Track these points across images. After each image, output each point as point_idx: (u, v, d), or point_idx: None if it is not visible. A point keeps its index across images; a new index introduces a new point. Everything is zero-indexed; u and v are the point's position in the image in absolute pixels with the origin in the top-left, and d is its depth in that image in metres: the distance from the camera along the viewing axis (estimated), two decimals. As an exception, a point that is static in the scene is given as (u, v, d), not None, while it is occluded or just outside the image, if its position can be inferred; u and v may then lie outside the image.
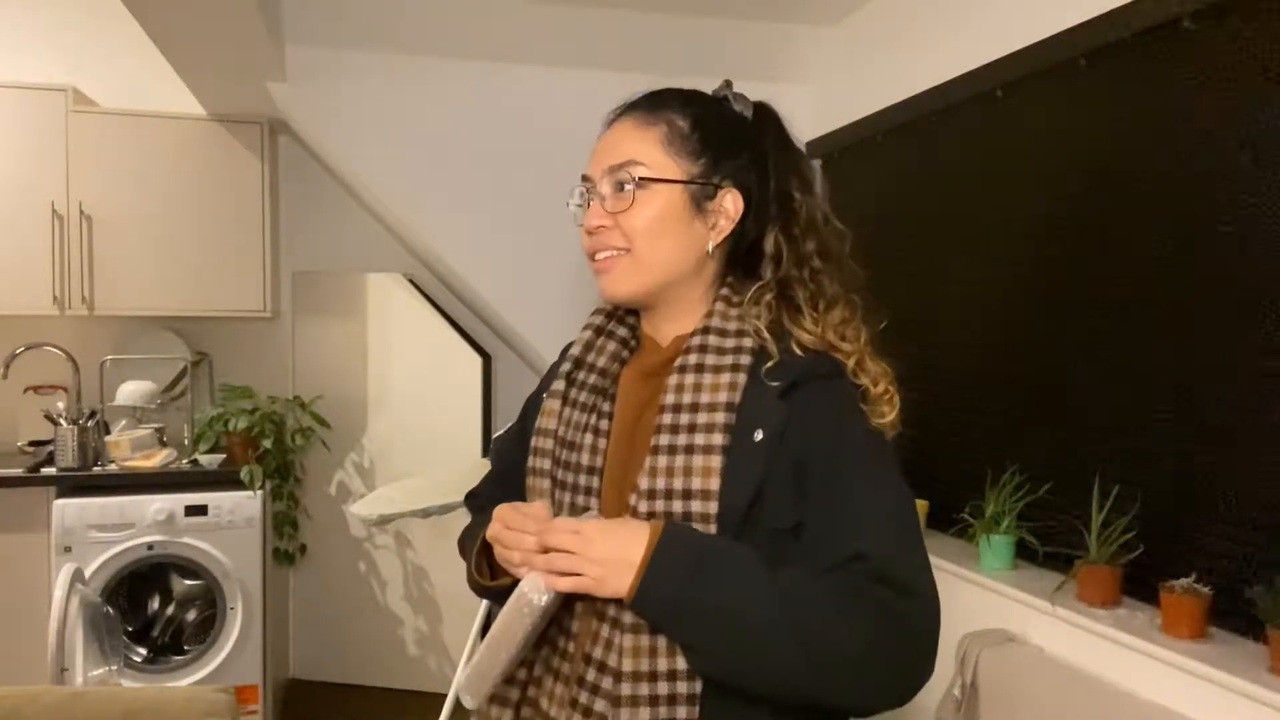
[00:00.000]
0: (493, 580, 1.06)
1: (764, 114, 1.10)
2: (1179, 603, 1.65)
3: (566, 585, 0.92)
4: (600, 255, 1.04)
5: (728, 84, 1.11)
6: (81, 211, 3.24)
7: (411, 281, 3.80)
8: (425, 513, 2.81)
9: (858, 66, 2.90)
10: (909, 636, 0.89)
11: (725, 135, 1.05)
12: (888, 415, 0.98)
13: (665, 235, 1.01)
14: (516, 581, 0.98)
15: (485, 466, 3.33)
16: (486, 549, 1.06)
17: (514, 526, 0.98)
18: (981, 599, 2.06)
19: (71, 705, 1.60)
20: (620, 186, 1.02)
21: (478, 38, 2.92)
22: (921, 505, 2.36)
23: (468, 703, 0.98)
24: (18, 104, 3.18)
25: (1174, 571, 1.72)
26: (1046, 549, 2.00)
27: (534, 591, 0.94)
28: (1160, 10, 1.79)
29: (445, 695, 2.92)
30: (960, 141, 2.42)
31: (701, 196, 1.02)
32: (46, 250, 3.21)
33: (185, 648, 3.22)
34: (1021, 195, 2.20)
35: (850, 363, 1.00)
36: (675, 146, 1.02)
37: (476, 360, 3.73)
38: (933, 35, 2.53)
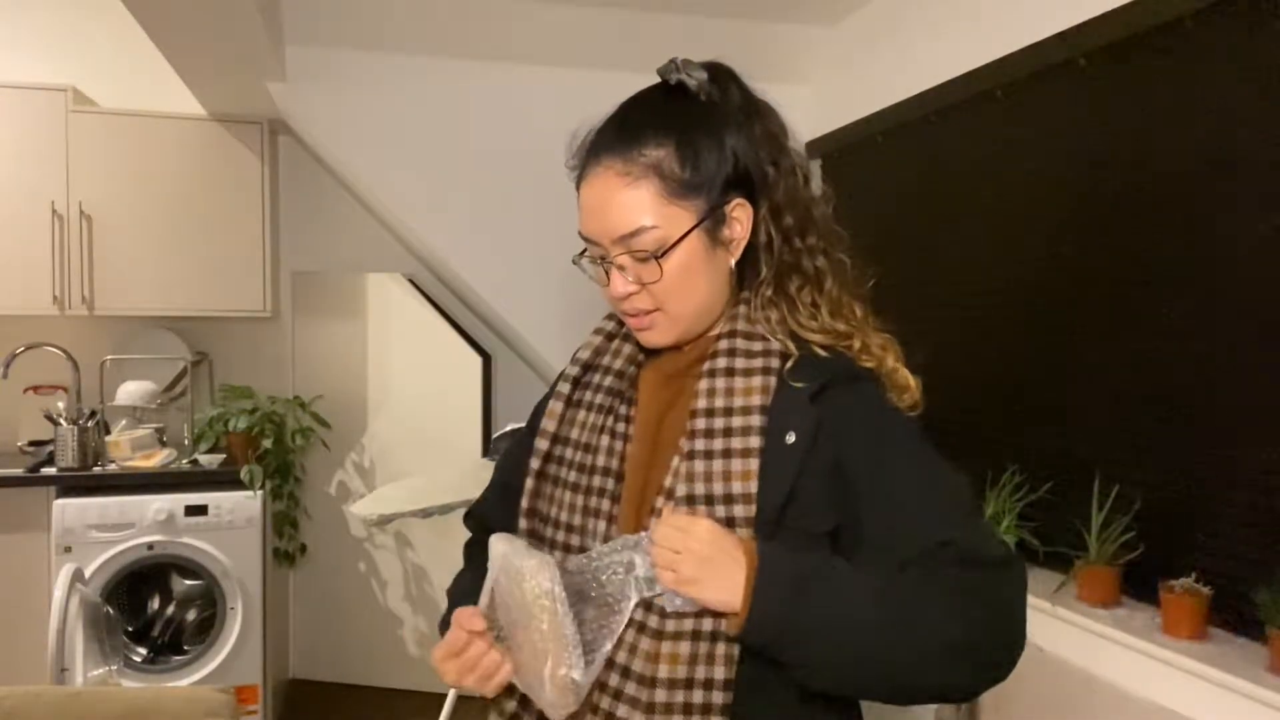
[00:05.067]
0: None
1: (722, 79, 1.01)
2: (1179, 603, 1.65)
3: (669, 580, 0.89)
4: (635, 316, 1.01)
5: (674, 63, 1.00)
6: (81, 211, 3.24)
7: (411, 281, 3.80)
8: (425, 513, 2.80)
9: (857, 66, 2.90)
10: (1010, 612, 0.90)
11: (708, 142, 0.97)
12: (910, 389, 1.00)
13: (694, 284, 0.98)
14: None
15: (485, 466, 3.33)
16: None
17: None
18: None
19: (71, 705, 1.60)
20: (640, 258, 0.96)
21: (477, 38, 2.92)
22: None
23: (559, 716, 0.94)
24: (18, 104, 3.18)
25: (1174, 571, 1.72)
26: (1046, 549, 2.00)
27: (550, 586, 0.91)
28: (1160, 10, 1.79)
29: (445, 695, 2.92)
30: (960, 141, 2.41)
31: (715, 226, 0.98)
32: (46, 250, 3.21)
33: (185, 648, 3.22)
34: (1021, 195, 2.20)
35: (855, 344, 0.99)
36: (674, 190, 0.95)
37: (476, 360, 3.73)
38: (932, 35, 2.53)
